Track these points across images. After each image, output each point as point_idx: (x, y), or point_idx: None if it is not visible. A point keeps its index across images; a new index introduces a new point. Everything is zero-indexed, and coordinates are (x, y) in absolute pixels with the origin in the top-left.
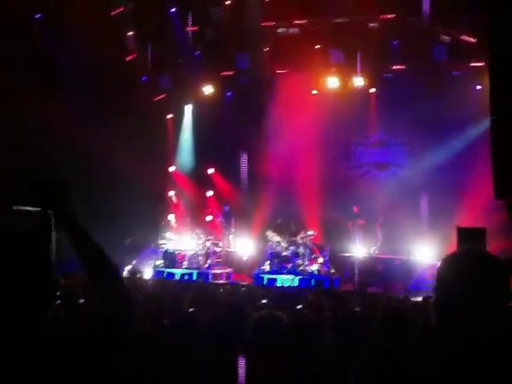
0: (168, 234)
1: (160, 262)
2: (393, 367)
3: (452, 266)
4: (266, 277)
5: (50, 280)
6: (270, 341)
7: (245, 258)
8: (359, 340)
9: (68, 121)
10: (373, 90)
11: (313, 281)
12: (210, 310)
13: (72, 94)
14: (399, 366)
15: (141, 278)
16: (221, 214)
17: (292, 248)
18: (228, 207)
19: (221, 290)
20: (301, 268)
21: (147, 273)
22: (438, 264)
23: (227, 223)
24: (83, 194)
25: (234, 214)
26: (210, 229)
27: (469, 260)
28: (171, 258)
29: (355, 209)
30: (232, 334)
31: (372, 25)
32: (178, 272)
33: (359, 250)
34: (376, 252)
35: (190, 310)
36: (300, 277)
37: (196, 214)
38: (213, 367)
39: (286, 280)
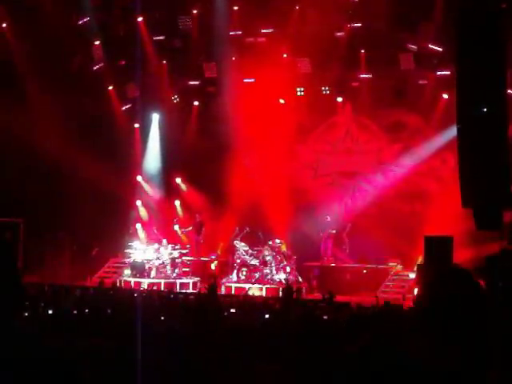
0: (135, 244)
1: (127, 271)
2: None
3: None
4: (234, 286)
5: (20, 287)
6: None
7: (213, 267)
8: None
9: (32, 132)
10: (340, 98)
11: (280, 290)
12: (177, 319)
13: (37, 104)
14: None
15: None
16: (190, 224)
17: (260, 257)
18: (198, 216)
19: (189, 298)
20: (268, 277)
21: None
22: (407, 273)
23: (196, 232)
24: (49, 204)
25: (203, 223)
26: (177, 238)
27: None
28: (139, 268)
29: (328, 218)
30: (200, 342)
31: (339, 34)
32: (145, 282)
33: (327, 258)
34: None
35: (161, 318)
36: (268, 286)
37: (164, 224)
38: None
39: (253, 289)
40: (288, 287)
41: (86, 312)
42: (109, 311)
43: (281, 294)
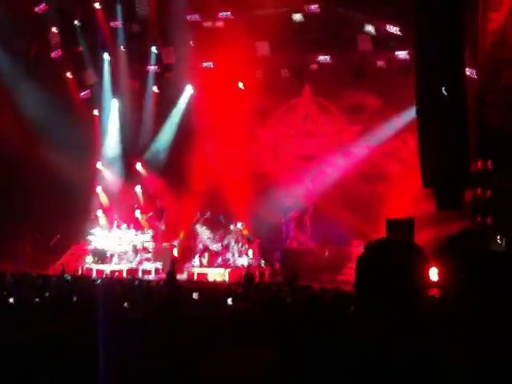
0: (96, 230)
1: (89, 258)
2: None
3: (373, 253)
4: (197, 271)
5: None
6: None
7: (175, 253)
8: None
9: None
10: (299, 81)
11: (243, 274)
12: (140, 306)
13: None
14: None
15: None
16: (151, 209)
17: (221, 241)
18: (159, 202)
19: (150, 285)
20: (231, 261)
21: None
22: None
23: (157, 218)
24: (7, 193)
25: (164, 208)
26: (139, 224)
27: (390, 247)
28: (100, 255)
29: (289, 201)
30: (163, 329)
31: (297, 16)
32: (107, 268)
33: (289, 241)
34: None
35: (124, 305)
36: (230, 270)
37: (124, 210)
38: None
39: (216, 274)
40: (248, 272)
41: (48, 300)
42: (71, 298)
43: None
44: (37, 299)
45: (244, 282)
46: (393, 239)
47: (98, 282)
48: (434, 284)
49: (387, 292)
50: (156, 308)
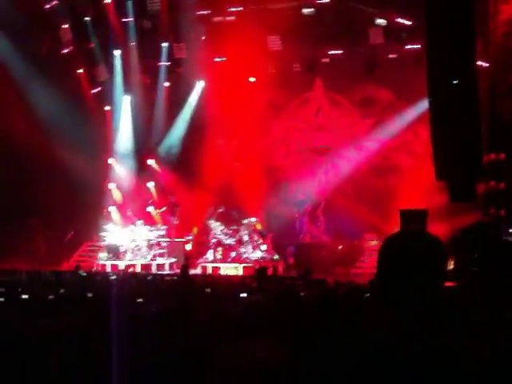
0: (109, 226)
1: (103, 254)
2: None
3: (394, 247)
4: (210, 266)
5: None
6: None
7: (188, 248)
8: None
9: (2, 116)
10: (311, 75)
11: (257, 268)
12: (155, 301)
13: (4, 89)
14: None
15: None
16: (164, 204)
17: (235, 236)
18: (172, 197)
19: (164, 280)
20: (245, 256)
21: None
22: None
23: (170, 213)
24: (20, 190)
25: (177, 203)
26: (152, 219)
27: (409, 241)
28: (114, 250)
29: (302, 195)
30: (178, 324)
31: (308, 10)
32: (121, 264)
33: (302, 236)
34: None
35: (138, 300)
36: (244, 264)
37: (138, 205)
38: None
39: (229, 268)
40: (261, 266)
41: (62, 296)
42: (86, 295)
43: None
44: (51, 296)
45: (257, 276)
46: (411, 231)
47: (113, 277)
48: (450, 275)
49: (406, 283)
50: (170, 303)
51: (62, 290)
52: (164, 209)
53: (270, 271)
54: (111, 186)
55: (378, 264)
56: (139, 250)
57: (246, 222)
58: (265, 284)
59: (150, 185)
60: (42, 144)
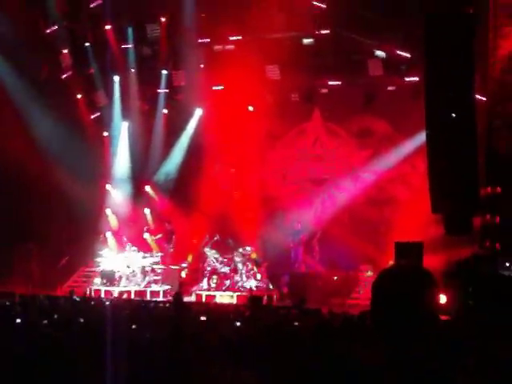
0: (105, 252)
1: (97, 280)
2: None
3: (386, 281)
4: (205, 294)
5: None
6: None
7: (183, 275)
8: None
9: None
10: (309, 105)
11: (250, 296)
12: (149, 328)
13: (3, 113)
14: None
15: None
16: (160, 231)
17: (230, 264)
18: (168, 224)
19: (158, 307)
20: (239, 284)
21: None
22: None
23: (166, 240)
24: (17, 213)
25: (173, 231)
26: (147, 246)
27: (402, 276)
28: (109, 276)
29: (298, 225)
30: (172, 351)
31: (307, 40)
32: (115, 290)
33: (298, 265)
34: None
35: (133, 326)
36: (238, 293)
37: (133, 232)
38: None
39: (224, 297)
40: (254, 295)
41: (56, 321)
42: (79, 320)
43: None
44: (45, 321)
45: (251, 304)
46: (404, 265)
47: (107, 303)
48: (443, 309)
49: (400, 317)
50: (163, 329)
51: (55, 316)
52: (160, 236)
53: (264, 300)
54: (108, 211)
55: (371, 297)
56: (134, 276)
57: (241, 250)
58: (259, 313)
59: (147, 211)
60: (40, 168)
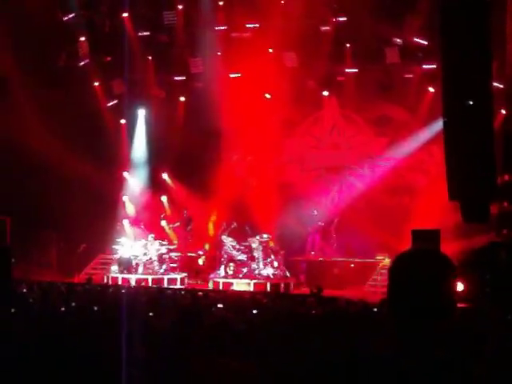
0: (122, 240)
1: (115, 267)
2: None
3: (403, 265)
4: (222, 281)
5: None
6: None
7: (200, 263)
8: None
9: (17, 128)
10: (326, 92)
11: (268, 284)
12: (166, 316)
13: (22, 101)
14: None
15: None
16: (177, 219)
17: (247, 252)
18: (186, 212)
19: (176, 294)
20: (256, 272)
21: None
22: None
23: (183, 228)
24: (35, 201)
25: (190, 218)
26: (164, 234)
27: (419, 259)
28: (126, 264)
29: (315, 212)
30: (188, 339)
31: (324, 28)
32: (133, 277)
33: (315, 253)
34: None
35: (150, 314)
36: (255, 281)
37: (151, 219)
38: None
39: (241, 284)
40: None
41: (74, 309)
42: (96, 308)
43: (268, 288)
44: (63, 308)
45: (269, 293)
46: (422, 249)
47: (124, 290)
48: (461, 297)
49: (417, 301)
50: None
51: (73, 303)
52: (177, 223)
53: (281, 288)
54: (125, 199)
55: (388, 280)
56: (151, 263)
57: (258, 238)
58: (276, 301)
59: (164, 199)
60: (58, 156)
